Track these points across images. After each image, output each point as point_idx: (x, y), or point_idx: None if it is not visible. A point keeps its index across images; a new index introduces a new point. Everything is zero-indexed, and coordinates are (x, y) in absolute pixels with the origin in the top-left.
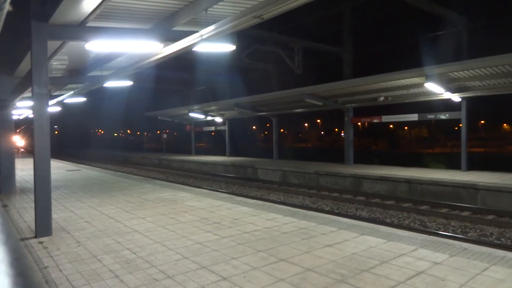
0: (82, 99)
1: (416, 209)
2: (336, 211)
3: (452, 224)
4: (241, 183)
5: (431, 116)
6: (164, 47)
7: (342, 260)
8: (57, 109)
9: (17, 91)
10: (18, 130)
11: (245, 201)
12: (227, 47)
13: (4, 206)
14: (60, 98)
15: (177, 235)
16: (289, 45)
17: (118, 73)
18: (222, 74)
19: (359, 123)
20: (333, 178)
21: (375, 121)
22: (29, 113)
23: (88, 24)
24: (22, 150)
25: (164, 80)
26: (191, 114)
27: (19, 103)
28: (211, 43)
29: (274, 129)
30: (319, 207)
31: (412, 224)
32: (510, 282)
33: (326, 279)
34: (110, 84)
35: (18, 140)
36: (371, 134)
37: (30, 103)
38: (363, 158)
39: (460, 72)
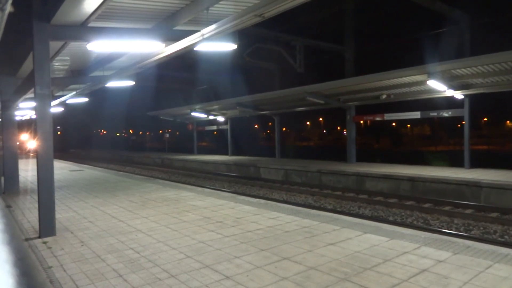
0: (84, 100)
1: (419, 207)
2: (338, 209)
3: (456, 222)
4: (243, 182)
5: (433, 114)
6: (165, 46)
7: (345, 259)
8: (60, 109)
9: (20, 92)
10: (29, 131)
11: (248, 200)
12: (229, 46)
13: (8, 206)
14: (62, 99)
15: (180, 234)
16: (290, 44)
17: (120, 73)
18: (224, 73)
19: (361, 121)
20: (336, 177)
21: (378, 119)
22: (32, 114)
23: (90, 24)
24: (35, 152)
25: (166, 79)
26: (193, 114)
27: (21, 104)
28: (213, 42)
29: (276, 128)
30: (322, 206)
31: (415, 222)
32: None
33: (329, 277)
34: (112, 84)
35: (29, 142)
36: (374, 132)
37: (32, 103)
38: (365, 156)
39: (463, 69)
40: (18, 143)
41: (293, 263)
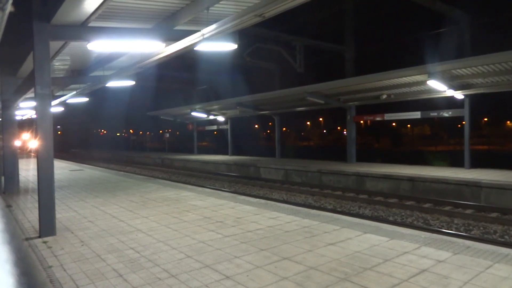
0: (84, 99)
1: (419, 207)
2: (339, 209)
3: (456, 222)
4: (243, 182)
5: (434, 114)
6: (165, 46)
7: (345, 259)
8: (60, 109)
9: (20, 91)
10: (30, 131)
11: (248, 200)
12: (229, 46)
13: (8, 206)
14: (62, 98)
15: (180, 234)
16: (290, 44)
17: (120, 72)
18: (224, 73)
19: (362, 121)
20: (336, 177)
21: (378, 119)
22: (32, 114)
23: (90, 24)
24: (36, 152)
25: (166, 79)
26: (193, 113)
27: (22, 104)
28: (213, 42)
29: (276, 128)
30: (322, 206)
31: (415, 222)
32: None
33: (329, 277)
34: (112, 84)
35: (31, 141)
36: (374, 132)
37: (33, 103)
38: (365, 156)
39: (463, 69)
40: (20, 142)
41: (293, 263)
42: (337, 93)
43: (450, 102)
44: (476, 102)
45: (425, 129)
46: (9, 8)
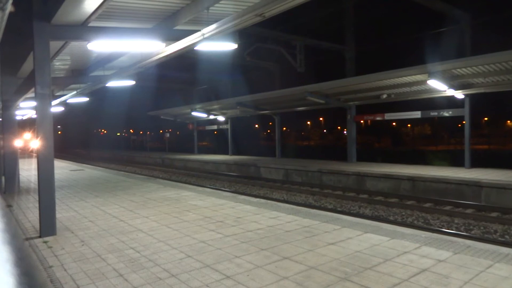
0: (84, 99)
1: (419, 207)
2: (339, 209)
3: (456, 221)
4: (244, 182)
5: (434, 114)
6: (166, 46)
7: (345, 258)
8: (60, 109)
9: (20, 91)
10: (32, 131)
11: (248, 200)
12: (229, 46)
13: (9, 206)
14: (63, 98)
15: (180, 234)
16: (291, 43)
17: (120, 72)
18: (224, 73)
19: (362, 121)
20: (336, 176)
21: (378, 118)
22: (33, 114)
23: (90, 24)
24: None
25: (166, 79)
26: (194, 113)
27: (22, 104)
28: (213, 42)
29: (276, 128)
30: (322, 205)
31: (415, 221)
32: None
33: (329, 277)
34: (112, 83)
35: (32, 141)
36: (374, 131)
37: (33, 103)
38: (366, 156)
39: (464, 69)
40: (22, 142)
41: (293, 262)
42: (337, 92)
43: (451, 102)
44: (477, 102)
45: (425, 129)
46: (9, 8)
